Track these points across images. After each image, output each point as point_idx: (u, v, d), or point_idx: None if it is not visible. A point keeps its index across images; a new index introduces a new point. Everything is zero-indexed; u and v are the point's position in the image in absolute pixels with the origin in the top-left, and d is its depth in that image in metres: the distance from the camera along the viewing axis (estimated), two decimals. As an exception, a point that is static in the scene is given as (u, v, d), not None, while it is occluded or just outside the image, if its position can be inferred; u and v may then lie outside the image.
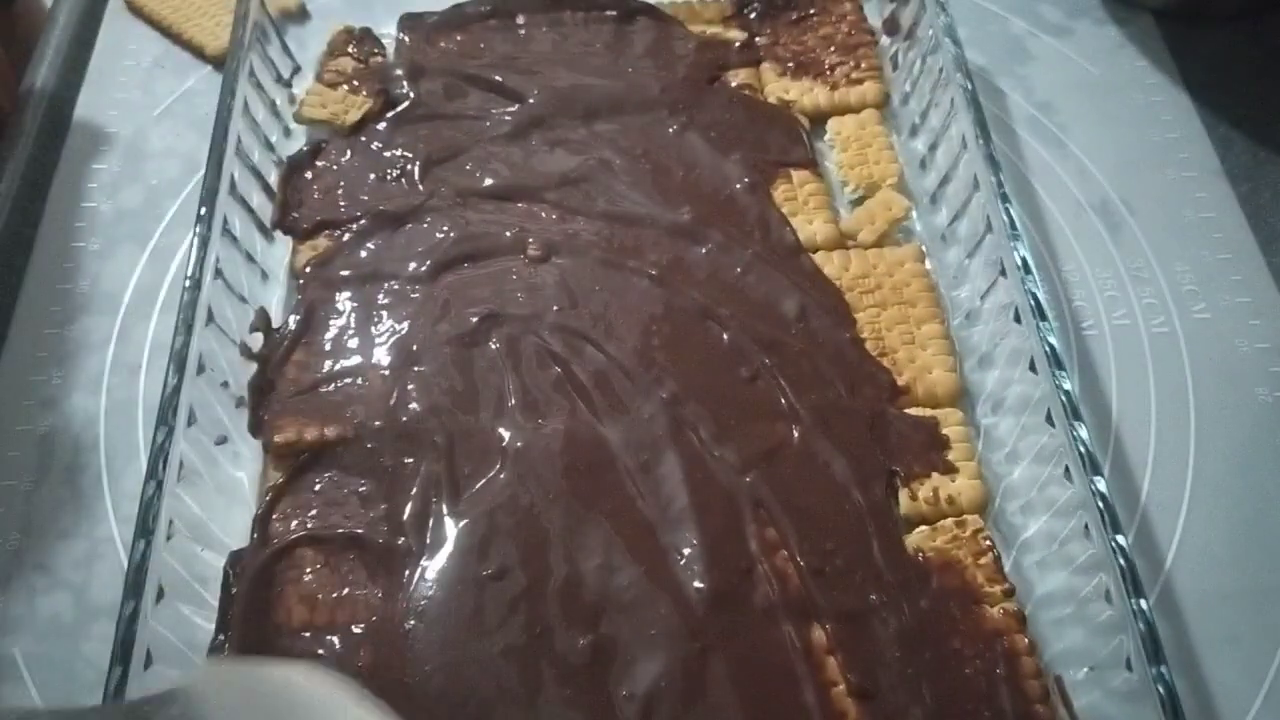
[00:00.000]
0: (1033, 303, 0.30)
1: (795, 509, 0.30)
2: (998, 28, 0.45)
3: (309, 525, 0.30)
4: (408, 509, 0.30)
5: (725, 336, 0.34)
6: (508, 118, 0.39)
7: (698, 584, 0.29)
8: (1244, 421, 0.34)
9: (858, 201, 0.38)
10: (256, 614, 0.29)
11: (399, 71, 0.41)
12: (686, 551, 0.29)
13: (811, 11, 0.42)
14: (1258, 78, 0.43)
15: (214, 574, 0.29)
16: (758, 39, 0.42)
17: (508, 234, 0.36)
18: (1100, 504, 0.27)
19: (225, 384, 0.32)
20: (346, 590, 0.29)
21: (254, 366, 0.33)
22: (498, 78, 0.41)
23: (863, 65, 0.41)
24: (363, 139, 0.39)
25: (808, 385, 0.32)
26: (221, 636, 0.28)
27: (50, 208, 0.39)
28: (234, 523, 0.30)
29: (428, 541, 0.30)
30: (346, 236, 0.36)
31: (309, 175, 0.38)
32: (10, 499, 0.33)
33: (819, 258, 0.36)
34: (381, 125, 0.39)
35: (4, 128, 0.42)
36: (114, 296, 0.37)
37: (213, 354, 0.32)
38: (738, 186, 0.37)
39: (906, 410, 0.32)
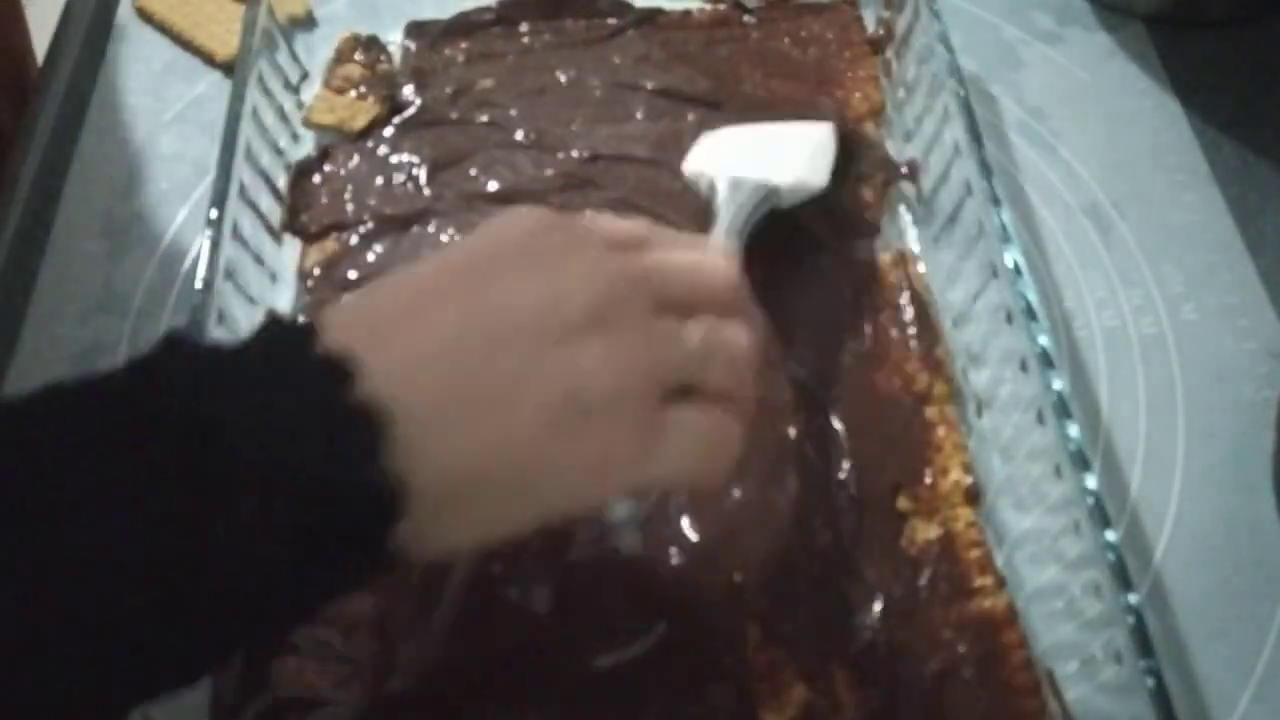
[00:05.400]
0: (1024, 304, 0.31)
1: (792, 502, 0.31)
2: (990, 35, 0.45)
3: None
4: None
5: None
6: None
7: (697, 577, 0.29)
8: (1232, 420, 0.35)
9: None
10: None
11: (405, 78, 0.41)
12: (687, 545, 0.30)
13: (808, 20, 0.43)
14: (1246, 83, 0.44)
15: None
16: (756, 46, 0.43)
17: (511, 237, 0.37)
18: (1090, 500, 0.28)
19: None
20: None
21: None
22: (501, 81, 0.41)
23: (859, 73, 0.41)
24: (369, 144, 0.40)
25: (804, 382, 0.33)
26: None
27: (63, 211, 0.40)
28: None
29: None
30: (354, 240, 0.37)
31: (317, 179, 0.39)
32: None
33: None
34: (388, 131, 0.40)
35: (15, 135, 0.42)
36: (125, 298, 0.38)
37: (223, 354, 0.32)
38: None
39: (901, 408, 0.33)
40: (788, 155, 0.35)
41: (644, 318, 0.22)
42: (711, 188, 0.33)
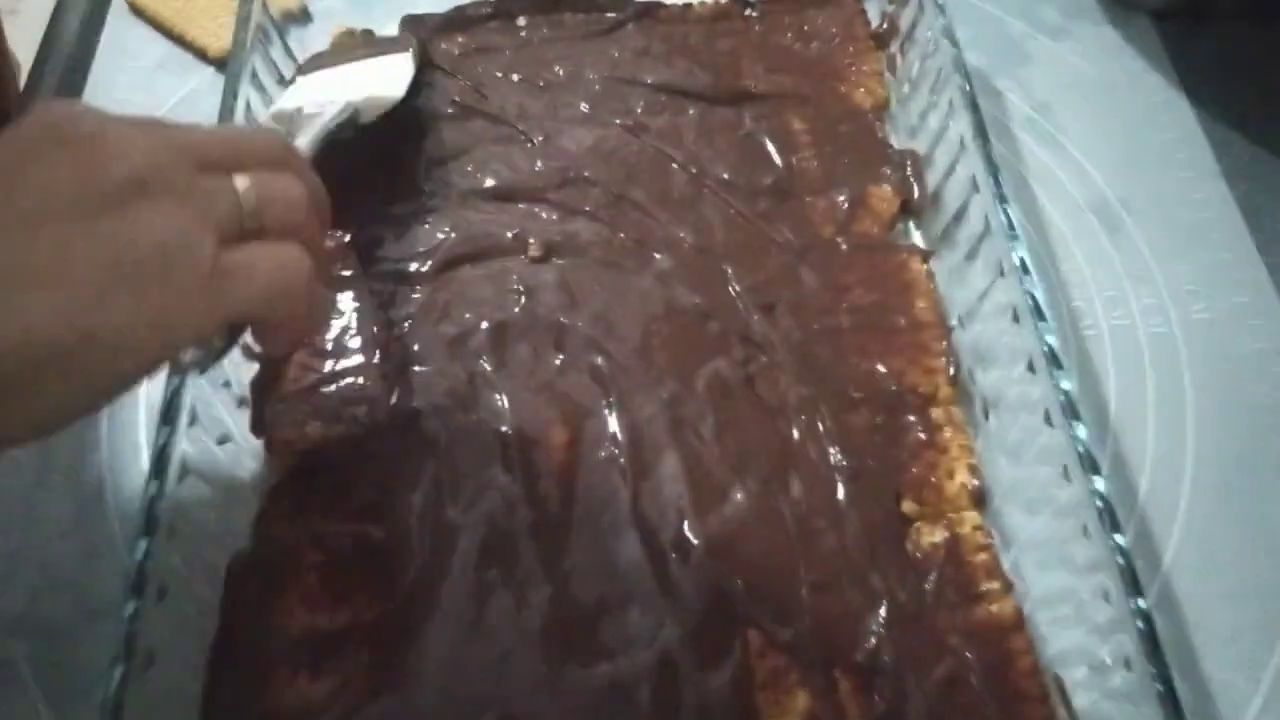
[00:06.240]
0: (1031, 303, 0.31)
1: (795, 505, 0.30)
2: (996, 29, 0.45)
3: (310, 524, 0.30)
4: (408, 509, 0.30)
5: (726, 335, 0.34)
6: (508, 118, 0.40)
7: (699, 582, 0.29)
8: (1242, 421, 0.34)
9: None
10: (257, 614, 0.29)
11: (400, 73, 0.41)
12: (687, 551, 0.30)
13: (811, 14, 0.43)
14: (1255, 79, 0.43)
15: (215, 574, 0.29)
16: (757, 41, 0.42)
17: (508, 234, 0.36)
18: (1098, 504, 0.27)
19: (227, 383, 0.32)
20: (347, 590, 0.29)
21: (256, 366, 0.33)
22: (498, 76, 0.41)
23: (863, 68, 0.41)
24: (366, 140, 0.39)
25: (808, 382, 0.33)
26: (223, 636, 0.28)
27: (52, 209, 0.40)
28: (235, 522, 0.31)
29: (429, 542, 0.30)
30: (348, 237, 0.36)
31: (310, 176, 0.38)
32: (10, 498, 0.33)
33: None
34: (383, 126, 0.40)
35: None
36: (116, 297, 0.37)
37: (215, 354, 0.32)
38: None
39: (906, 410, 0.32)
40: (365, 79, 0.38)
41: (187, 179, 0.22)
42: (296, 116, 0.34)
